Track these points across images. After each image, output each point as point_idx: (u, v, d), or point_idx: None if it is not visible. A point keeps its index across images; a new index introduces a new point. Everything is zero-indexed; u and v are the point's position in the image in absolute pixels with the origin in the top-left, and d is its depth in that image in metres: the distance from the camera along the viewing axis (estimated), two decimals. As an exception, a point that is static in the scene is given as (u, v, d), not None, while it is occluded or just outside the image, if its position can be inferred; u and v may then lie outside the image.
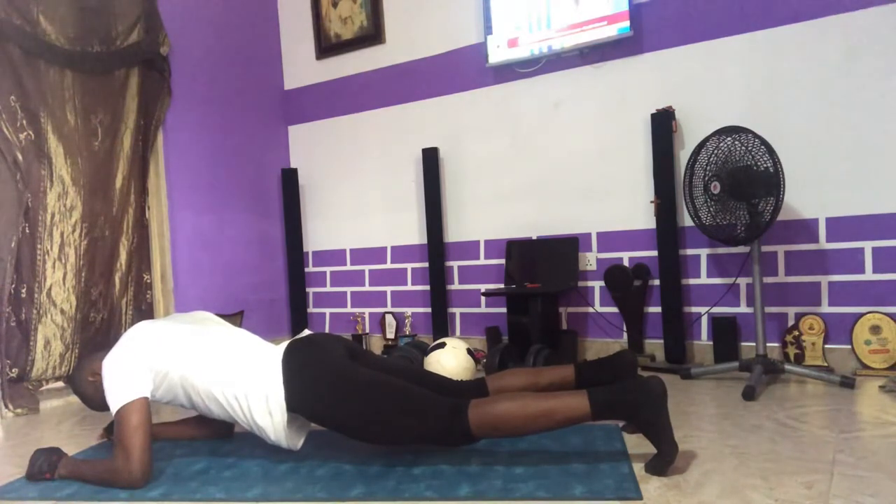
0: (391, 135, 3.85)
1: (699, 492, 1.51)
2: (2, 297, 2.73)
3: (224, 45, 3.83)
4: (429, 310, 3.70)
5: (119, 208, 3.17)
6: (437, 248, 3.62)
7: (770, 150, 2.37)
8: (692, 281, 3.02)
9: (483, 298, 3.57)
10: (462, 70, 3.58)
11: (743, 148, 2.43)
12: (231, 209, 3.83)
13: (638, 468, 1.65)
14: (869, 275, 2.68)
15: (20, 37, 2.77)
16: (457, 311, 3.67)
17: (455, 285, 3.67)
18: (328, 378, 1.76)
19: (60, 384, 2.92)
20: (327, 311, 4.15)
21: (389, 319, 3.85)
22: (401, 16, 3.79)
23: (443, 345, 2.86)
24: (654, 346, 3.08)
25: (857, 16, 2.65)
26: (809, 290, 2.79)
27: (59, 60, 2.92)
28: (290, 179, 4.05)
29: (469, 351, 2.88)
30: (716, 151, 2.51)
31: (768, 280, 2.82)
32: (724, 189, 2.45)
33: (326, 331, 4.10)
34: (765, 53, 2.84)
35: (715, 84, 2.95)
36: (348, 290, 4.07)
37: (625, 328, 3.17)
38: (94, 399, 1.92)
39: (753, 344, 2.61)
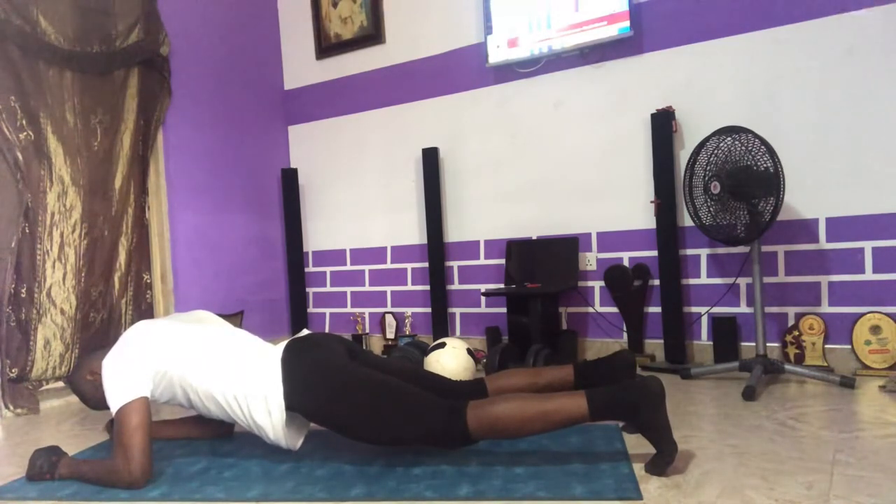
0: (391, 135, 3.85)
1: (699, 492, 1.51)
2: (2, 297, 2.73)
3: (224, 45, 3.83)
4: (429, 310, 3.70)
5: (119, 208, 3.17)
6: (437, 248, 3.62)
7: (770, 150, 2.37)
8: (692, 281, 3.02)
9: (483, 298, 3.57)
10: (462, 70, 3.58)
11: (743, 148, 2.43)
12: (231, 209, 3.83)
13: (638, 468, 1.65)
14: (869, 275, 2.68)
15: (20, 37, 2.77)
16: (457, 311, 3.67)
17: (455, 285, 3.67)
18: (327, 377, 1.76)
19: (60, 384, 2.92)
20: (327, 311, 4.15)
21: (389, 319, 3.85)
22: (401, 16, 3.79)
23: (443, 345, 2.86)
24: (654, 346, 3.08)
25: (857, 16, 2.65)
26: (809, 290, 2.79)
27: (59, 60, 2.92)
28: (290, 179, 4.05)
29: (469, 351, 2.88)
30: (716, 151, 2.51)
31: (768, 280, 2.82)
32: (724, 189, 2.45)
33: (326, 331, 4.11)
34: (765, 53, 2.84)
35: (715, 84, 2.95)
36: (348, 290, 4.07)
37: (625, 328, 3.17)
38: (93, 398, 1.93)
39: (753, 344, 2.61)
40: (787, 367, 2.51)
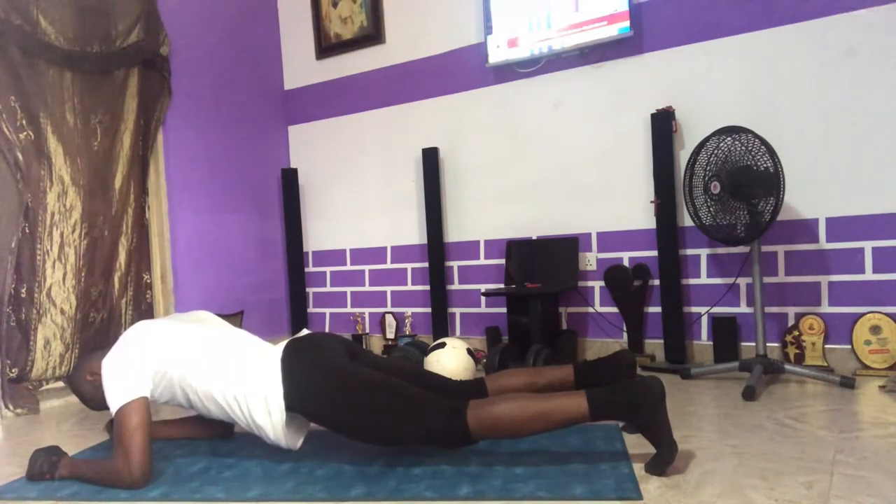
0: (391, 135, 3.85)
1: (699, 492, 1.51)
2: (2, 297, 2.73)
3: (224, 45, 3.83)
4: (429, 310, 3.70)
5: (119, 208, 3.17)
6: (437, 248, 3.62)
7: (770, 150, 2.37)
8: (692, 281, 3.02)
9: (483, 298, 3.57)
10: (462, 70, 3.58)
11: (743, 148, 2.43)
12: (231, 209, 3.83)
13: (638, 468, 1.65)
14: (869, 275, 2.68)
15: (20, 37, 2.77)
16: (457, 311, 3.67)
17: (455, 285, 3.67)
18: (327, 377, 1.76)
19: (60, 384, 2.92)
20: (327, 311, 4.15)
21: (389, 319, 3.85)
22: (401, 16, 3.79)
23: (443, 345, 2.86)
24: (654, 346, 3.08)
25: (857, 16, 2.65)
26: (809, 290, 2.79)
27: (59, 60, 2.92)
28: (290, 179, 4.05)
29: (469, 351, 2.88)
30: (716, 151, 2.51)
31: (768, 280, 2.82)
32: (724, 189, 2.45)
33: (326, 331, 4.11)
34: (765, 53, 2.83)
35: (715, 84, 2.95)
36: (348, 290, 4.07)
37: (625, 328, 3.17)
38: (93, 398, 1.93)
39: (753, 344, 2.61)
40: (787, 367, 2.51)
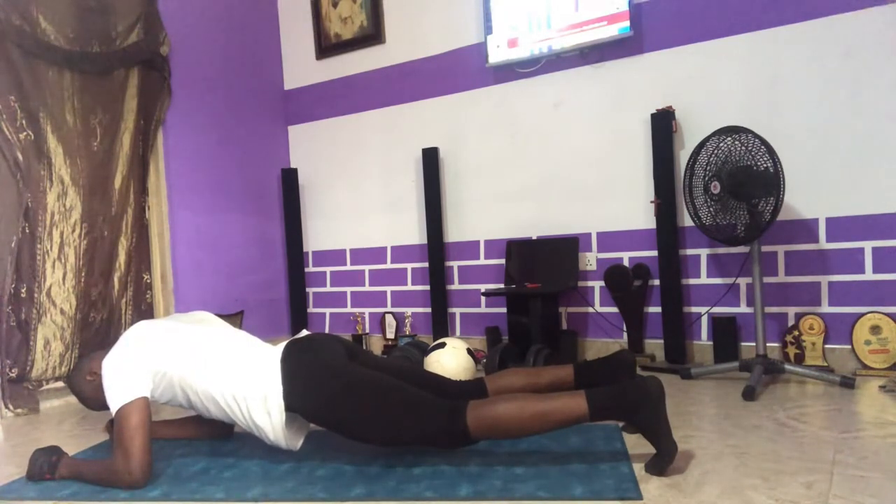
0: (391, 135, 3.85)
1: (699, 492, 1.51)
2: (2, 297, 2.73)
3: (224, 45, 3.83)
4: (429, 310, 3.70)
5: (118, 208, 3.17)
6: (437, 248, 3.62)
7: (770, 150, 2.37)
8: (692, 281, 3.02)
9: (483, 298, 3.57)
10: (462, 70, 3.58)
11: (743, 148, 2.43)
12: (231, 209, 3.83)
13: (638, 468, 1.65)
14: (869, 275, 2.68)
15: (20, 37, 2.77)
16: (457, 311, 3.67)
17: (455, 285, 3.67)
18: (326, 378, 1.76)
19: (60, 384, 2.91)
20: (327, 311, 4.15)
21: (389, 319, 3.85)
22: (401, 16, 3.79)
23: (443, 345, 2.86)
24: (654, 346, 3.08)
25: (857, 16, 2.65)
26: (809, 290, 2.79)
27: (59, 60, 2.92)
28: (290, 179, 4.05)
29: (469, 351, 2.88)
30: (716, 151, 2.51)
31: (768, 280, 2.82)
32: (724, 189, 2.45)
33: (326, 331, 4.11)
34: (765, 53, 2.84)
35: (715, 84, 2.95)
36: (348, 290, 4.07)
37: (625, 328, 3.17)
38: (92, 398, 1.93)
39: (753, 344, 2.61)
40: (787, 367, 2.51)
